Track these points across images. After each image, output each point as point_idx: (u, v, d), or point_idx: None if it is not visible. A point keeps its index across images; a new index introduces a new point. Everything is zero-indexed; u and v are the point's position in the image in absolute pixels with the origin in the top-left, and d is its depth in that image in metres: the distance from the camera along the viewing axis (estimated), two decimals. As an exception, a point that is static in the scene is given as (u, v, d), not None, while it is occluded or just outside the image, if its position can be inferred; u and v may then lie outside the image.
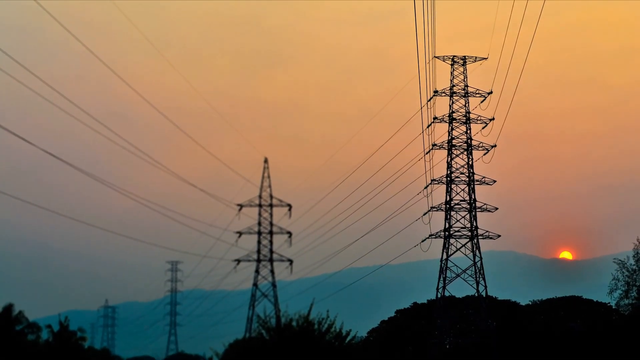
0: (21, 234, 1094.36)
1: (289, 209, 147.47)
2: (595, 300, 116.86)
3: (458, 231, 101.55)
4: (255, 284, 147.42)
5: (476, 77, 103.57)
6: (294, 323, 73.29)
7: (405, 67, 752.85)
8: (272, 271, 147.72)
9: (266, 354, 73.12)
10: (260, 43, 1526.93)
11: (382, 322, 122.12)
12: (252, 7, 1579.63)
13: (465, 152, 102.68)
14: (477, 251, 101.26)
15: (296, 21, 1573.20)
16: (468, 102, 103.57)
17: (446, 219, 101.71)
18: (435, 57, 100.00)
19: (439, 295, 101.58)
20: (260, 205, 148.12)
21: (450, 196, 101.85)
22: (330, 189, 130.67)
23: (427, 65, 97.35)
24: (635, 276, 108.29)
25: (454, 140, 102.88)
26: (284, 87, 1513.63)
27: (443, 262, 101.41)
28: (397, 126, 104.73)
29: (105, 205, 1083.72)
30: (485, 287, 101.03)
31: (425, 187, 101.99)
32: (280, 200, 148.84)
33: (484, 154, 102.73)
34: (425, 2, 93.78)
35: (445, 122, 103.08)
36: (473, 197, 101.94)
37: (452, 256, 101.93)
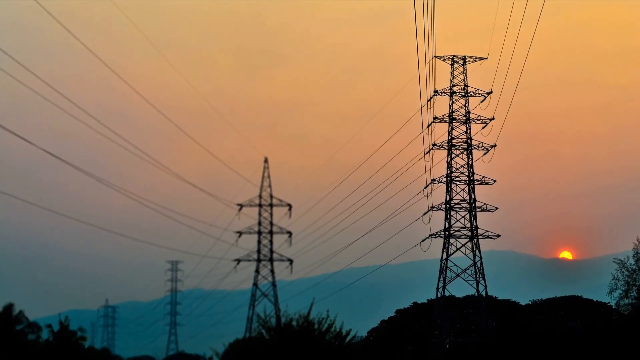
0: (21, 234, 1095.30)
1: (289, 209, 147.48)
2: (595, 300, 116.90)
3: (458, 231, 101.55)
4: (255, 284, 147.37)
5: (476, 77, 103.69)
6: (294, 323, 73.34)
7: (405, 67, 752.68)
8: (272, 271, 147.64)
9: (266, 354, 73.15)
10: (261, 42, 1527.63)
11: (382, 321, 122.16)
12: (252, 7, 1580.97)
13: (465, 152, 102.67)
14: (477, 251, 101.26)
15: (296, 21, 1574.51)
16: (468, 102, 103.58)
17: (446, 218, 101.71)
18: (435, 57, 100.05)
19: (439, 295, 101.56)
20: (260, 205, 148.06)
21: (450, 196, 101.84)
22: (330, 189, 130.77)
23: (427, 65, 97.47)
24: (635, 276, 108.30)
25: (454, 140, 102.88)
26: (284, 86, 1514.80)
27: (443, 261, 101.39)
28: (397, 126, 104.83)
29: (105, 205, 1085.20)
30: (485, 286, 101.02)
31: (425, 187, 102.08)
32: (280, 200, 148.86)
33: (484, 154, 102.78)
34: (425, 2, 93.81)
35: (445, 121, 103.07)
36: (473, 196, 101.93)
37: (452, 256, 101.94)
